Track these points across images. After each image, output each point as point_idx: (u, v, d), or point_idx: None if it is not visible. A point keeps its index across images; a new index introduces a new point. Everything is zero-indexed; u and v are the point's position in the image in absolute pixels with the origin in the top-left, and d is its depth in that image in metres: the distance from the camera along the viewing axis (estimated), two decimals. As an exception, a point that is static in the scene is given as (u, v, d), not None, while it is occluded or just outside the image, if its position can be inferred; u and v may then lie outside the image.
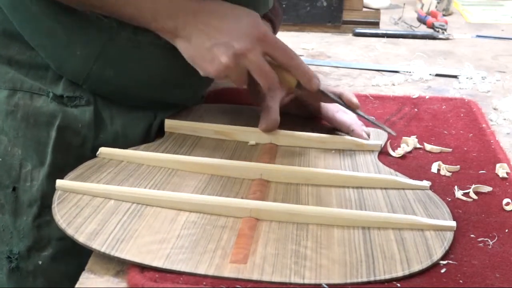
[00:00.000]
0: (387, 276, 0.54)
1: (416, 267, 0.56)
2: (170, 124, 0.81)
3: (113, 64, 0.74)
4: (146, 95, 0.79)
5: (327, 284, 0.53)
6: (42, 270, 0.76)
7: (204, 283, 0.53)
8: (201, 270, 0.54)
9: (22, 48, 0.76)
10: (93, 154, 0.73)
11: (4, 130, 0.76)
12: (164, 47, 0.73)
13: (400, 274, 0.55)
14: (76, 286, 0.55)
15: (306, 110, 0.86)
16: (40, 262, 0.76)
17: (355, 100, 0.80)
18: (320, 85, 0.76)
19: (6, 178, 0.76)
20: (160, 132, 0.82)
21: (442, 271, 0.57)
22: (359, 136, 0.81)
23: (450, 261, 0.58)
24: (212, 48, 0.70)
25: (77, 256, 0.58)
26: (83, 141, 0.76)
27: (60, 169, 0.70)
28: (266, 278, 0.54)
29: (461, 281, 0.55)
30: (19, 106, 0.75)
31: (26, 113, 0.75)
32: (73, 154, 0.74)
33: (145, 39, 0.74)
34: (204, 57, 0.70)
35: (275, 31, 0.88)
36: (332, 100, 0.80)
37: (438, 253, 0.58)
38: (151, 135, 0.81)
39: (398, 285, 0.54)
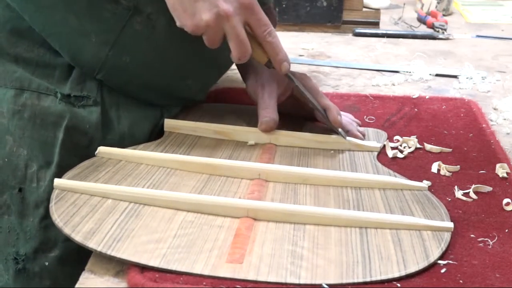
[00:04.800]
0: (383, 277, 0.54)
1: (413, 268, 0.55)
2: (169, 123, 0.81)
3: (129, 50, 0.74)
4: (159, 84, 0.78)
5: (325, 284, 0.53)
6: (49, 272, 0.76)
7: (204, 283, 0.53)
8: (197, 270, 0.54)
9: (30, 45, 0.76)
10: None
11: (9, 130, 0.75)
12: (179, 34, 0.73)
13: (396, 275, 0.54)
14: (76, 286, 0.55)
15: (302, 109, 0.86)
16: (46, 264, 0.75)
17: (339, 119, 0.79)
18: (289, 71, 0.76)
19: (12, 179, 0.75)
20: (159, 132, 0.81)
21: (442, 271, 0.56)
22: (354, 136, 0.81)
23: (450, 261, 0.57)
24: (196, 2, 0.68)
25: (83, 257, 0.58)
26: (90, 141, 0.76)
27: (67, 170, 0.70)
28: (262, 278, 0.53)
29: (461, 281, 0.55)
30: (26, 106, 0.75)
31: (33, 113, 0.75)
32: (80, 154, 0.74)
33: (160, 24, 0.74)
34: (186, 9, 0.69)
35: None
36: (305, 97, 0.80)
37: (435, 254, 0.57)
38: (156, 134, 0.81)
39: (398, 285, 0.54)
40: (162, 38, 0.75)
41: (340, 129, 0.80)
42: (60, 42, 0.74)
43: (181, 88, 0.82)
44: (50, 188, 0.73)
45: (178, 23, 0.70)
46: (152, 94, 0.80)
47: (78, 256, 0.59)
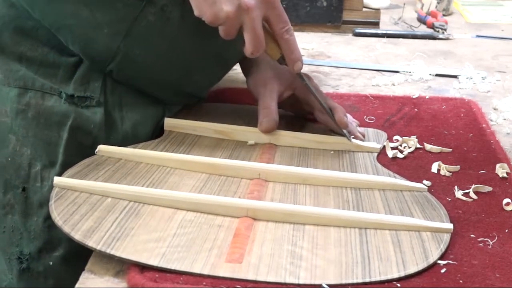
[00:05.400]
0: (383, 278, 0.54)
1: (412, 269, 0.55)
2: (169, 122, 0.81)
3: (141, 42, 0.74)
4: (167, 78, 0.78)
5: (325, 284, 0.53)
6: (53, 271, 0.76)
7: (204, 283, 0.53)
8: (196, 269, 0.54)
9: (34, 44, 0.76)
10: None
11: (13, 129, 0.75)
12: (192, 27, 0.73)
13: (395, 275, 0.54)
14: (76, 286, 0.54)
15: (302, 109, 0.86)
16: (50, 263, 0.75)
17: (345, 120, 0.79)
18: (301, 70, 0.76)
19: (15, 178, 0.75)
20: (160, 131, 0.81)
21: (442, 271, 0.56)
22: (354, 136, 0.81)
23: (450, 261, 0.57)
24: None
25: (88, 257, 0.58)
26: (94, 141, 0.76)
27: None
28: (261, 278, 0.53)
29: (461, 281, 0.55)
30: (30, 105, 0.75)
31: (37, 112, 0.75)
32: (84, 154, 0.74)
33: (173, 16, 0.73)
34: None
35: None
36: (314, 97, 0.79)
37: (434, 255, 0.57)
38: (157, 133, 0.81)
39: (398, 285, 0.54)
40: (175, 31, 0.74)
41: (345, 130, 0.80)
42: (72, 35, 0.74)
43: (188, 83, 0.82)
44: None
45: (196, 12, 0.69)
46: (159, 89, 0.80)
47: (83, 256, 0.59)
